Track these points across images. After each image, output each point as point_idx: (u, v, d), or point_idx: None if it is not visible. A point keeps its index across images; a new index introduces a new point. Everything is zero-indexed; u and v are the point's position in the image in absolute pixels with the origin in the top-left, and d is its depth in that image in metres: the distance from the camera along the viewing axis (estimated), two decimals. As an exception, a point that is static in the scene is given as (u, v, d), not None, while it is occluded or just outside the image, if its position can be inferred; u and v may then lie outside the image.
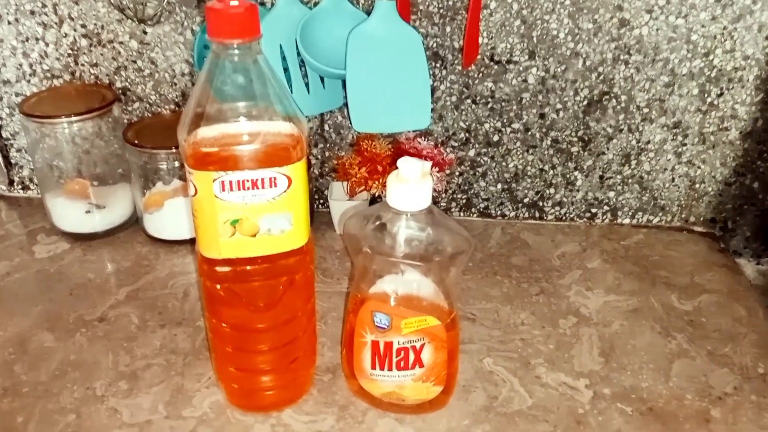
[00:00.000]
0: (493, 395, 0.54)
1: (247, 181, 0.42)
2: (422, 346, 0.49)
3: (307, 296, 0.50)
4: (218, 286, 0.46)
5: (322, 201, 0.83)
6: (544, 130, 0.76)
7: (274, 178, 0.43)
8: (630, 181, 0.79)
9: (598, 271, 0.71)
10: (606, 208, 0.80)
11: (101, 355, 0.58)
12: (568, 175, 0.79)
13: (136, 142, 0.72)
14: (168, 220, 0.73)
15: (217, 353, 0.51)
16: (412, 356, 0.49)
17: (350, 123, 0.72)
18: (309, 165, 0.76)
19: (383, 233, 0.48)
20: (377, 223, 0.48)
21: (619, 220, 0.81)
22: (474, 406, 0.53)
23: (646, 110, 0.74)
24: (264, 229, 0.44)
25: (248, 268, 0.45)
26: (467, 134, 0.77)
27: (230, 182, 0.42)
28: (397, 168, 0.46)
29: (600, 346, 0.60)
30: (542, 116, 0.75)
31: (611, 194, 0.80)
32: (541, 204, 0.81)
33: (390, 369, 0.50)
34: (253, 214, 0.44)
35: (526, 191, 0.80)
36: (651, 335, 0.62)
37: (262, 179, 0.43)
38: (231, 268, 0.45)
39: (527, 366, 0.57)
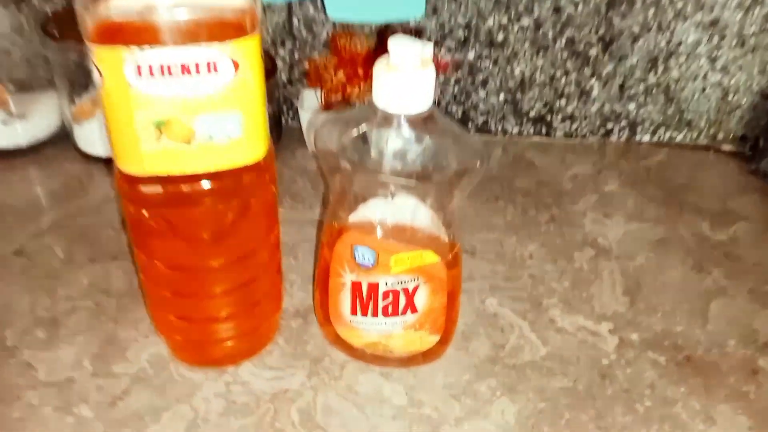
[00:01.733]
0: (498, 343, 0.45)
1: (174, 63, 0.30)
2: (416, 288, 0.38)
3: (268, 226, 0.39)
4: (145, 212, 0.35)
5: (291, 113, 0.70)
6: (558, 27, 0.63)
7: (214, 62, 0.31)
8: (654, 90, 0.67)
9: (617, 196, 0.61)
10: (624, 122, 0.69)
11: (15, 296, 0.47)
12: (583, 84, 0.67)
13: (57, 35, 0.57)
14: (103, 133, 0.60)
15: (152, 299, 0.40)
16: (402, 300, 0.39)
17: (324, 11, 0.58)
18: (273, 66, 0.63)
19: (367, 144, 0.36)
20: (360, 131, 0.37)
21: (637, 138, 0.70)
22: (476, 357, 0.43)
23: (680, 5, 0.62)
24: (203, 135, 0.32)
25: (185, 188, 0.34)
26: (466, 32, 0.64)
27: (149, 65, 0.30)
28: (386, 53, 0.34)
29: (623, 283, 0.50)
30: (557, 10, 0.62)
31: (631, 106, 0.68)
32: (549, 118, 0.69)
33: (375, 315, 0.40)
34: (186, 112, 0.31)
35: (532, 103, 0.68)
36: (682, 270, 0.52)
37: (197, 62, 0.30)
38: (161, 189, 0.34)
39: (539, 307, 0.48)
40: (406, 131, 0.35)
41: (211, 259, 0.37)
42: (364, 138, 0.36)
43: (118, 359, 0.42)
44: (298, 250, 0.52)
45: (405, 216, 0.37)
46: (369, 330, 0.40)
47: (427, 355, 0.42)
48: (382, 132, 0.35)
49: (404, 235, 0.37)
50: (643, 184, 0.63)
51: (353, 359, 0.43)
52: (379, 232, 0.37)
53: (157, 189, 0.34)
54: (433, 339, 0.41)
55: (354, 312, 0.40)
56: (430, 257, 0.37)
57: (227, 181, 0.34)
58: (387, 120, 0.35)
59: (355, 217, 0.38)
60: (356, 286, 0.39)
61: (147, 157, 0.32)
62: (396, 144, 0.35)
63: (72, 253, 0.51)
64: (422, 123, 0.34)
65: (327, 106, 0.63)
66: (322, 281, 0.41)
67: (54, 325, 0.44)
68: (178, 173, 0.33)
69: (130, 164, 0.33)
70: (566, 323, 0.47)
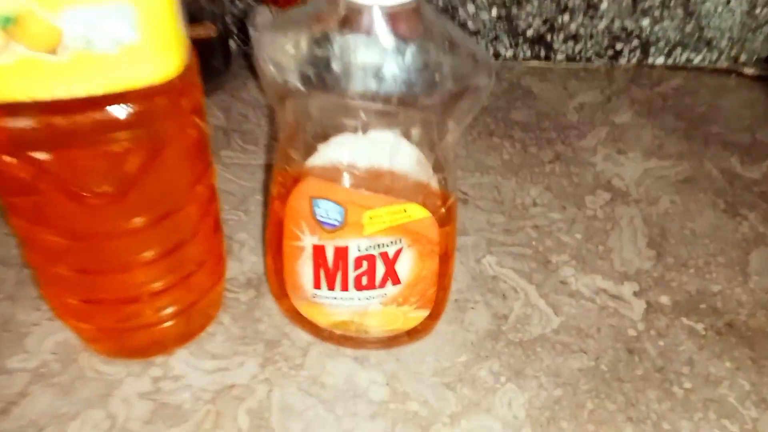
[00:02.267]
0: (500, 314, 0.36)
1: None
2: (398, 252, 0.29)
3: (194, 172, 0.29)
4: (9, 159, 0.24)
5: (242, 35, 0.58)
6: None
7: None
8: (673, 3, 0.57)
9: (631, 128, 0.52)
10: (635, 42, 0.59)
11: None
12: (590, -6, 0.56)
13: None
14: None
15: (45, 279, 0.30)
16: (381, 269, 0.29)
17: None
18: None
19: (327, 55, 0.26)
20: (316, 36, 0.26)
21: (650, 60, 0.60)
22: (473, 332, 0.35)
23: None
24: (76, 39, 0.21)
25: (59, 121, 0.23)
26: (451, -72, 0.52)
27: None
28: None
29: (647, 233, 0.42)
30: None
31: (645, 22, 0.58)
32: (549, 38, 0.58)
33: (345, 289, 0.30)
34: (46, 4, 0.20)
35: (530, 20, 0.57)
36: (714, 215, 0.44)
37: None
38: (23, 122, 0.23)
39: (547, 266, 0.39)
40: (383, 34, 0.24)
41: (117, 221, 0.26)
42: (322, 46, 0.25)
43: (13, 350, 0.32)
44: (249, 203, 0.42)
45: (382, 157, 0.27)
46: (338, 307, 0.31)
47: (413, 334, 0.33)
48: (347, 37, 0.25)
49: (381, 183, 0.27)
50: (660, 113, 0.54)
51: (319, 340, 0.34)
52: (346, 180, 0.27)
53: (16, 123, 0.23)
54: (421, 314, 0.32)
55: (317, 285, 0.30)
56: (417, 212, 0.28)
57: (122, 109, 0.24)
58: (354, 16, 0.24)
59: (314, 161, 0.28)
60: (319, 252, 0.29)
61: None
62: (368, 54, 0.25)
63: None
64: (405, 21, 0.24)
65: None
66: (274, 245, 0.31)
67: (-73, 308, 0.34)
68: (43, 98, 0.22)
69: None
70: (581, 285, 0.38)
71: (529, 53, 0.59)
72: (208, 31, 0.50)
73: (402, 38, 0.24)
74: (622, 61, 0.60)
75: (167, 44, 0.24)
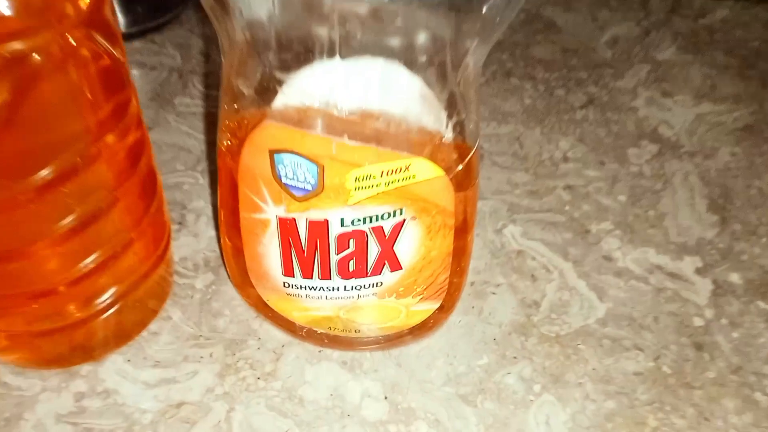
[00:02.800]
0: (529, 300, 0.28)
1: None
2: (398, 226, 0.21)
3: (99, 117, 0.20)
4: None
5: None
6: None
7: None
8: None
9: (676, 66, 0.43)
10: (676, -35, 0.49)
11: None
12: None
13: None
14: None
15: None
16: (374, 249, 0.21)
17: None
18: None
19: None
20: None
21: (692, -13, 0.51)
22: (495, 325, 0.27)
23: None
24: None
25: None
26: None
27: None
28: None
29: (706, 193, 0.34)
30: None
31: (688, -61, 0.48)
32: (574, -41, 0.49)
33: (325, 276, 0.22)
34: None
35: (551, -64, 0.48)
36: (786, 170, 0.35)
37: None
38: None
39: (585, 237, 0.31)
40: None
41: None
42: None
43: None
44: (204, 161, 0.34)
45: (371, 91, 0.18)
46: (317, 299, 0.23)
47: (418, 331, 0.25)
48: None
49: (371, 129, 0.19)
50: (708, 49, 0.45)
51: (296, 340, 0.26)
52: (319, 125, 0.19)
53: None
54: (428, 308, 0.24)
55: (288, 272, 0.22)
56: (424, 169, 0.19)
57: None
58: None
59: (278, 102, 0.19)
60: (287, 228, 0.21)
61: None
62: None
63: None
64: None
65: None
66: (229, 217, 0.23)
67: None
68: None
69: None
70: (630, 261, 0.30)
71: (549, -21, 0.50)
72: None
73: None
74: (660, -13, 0.51)
75: None
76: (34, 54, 0.16)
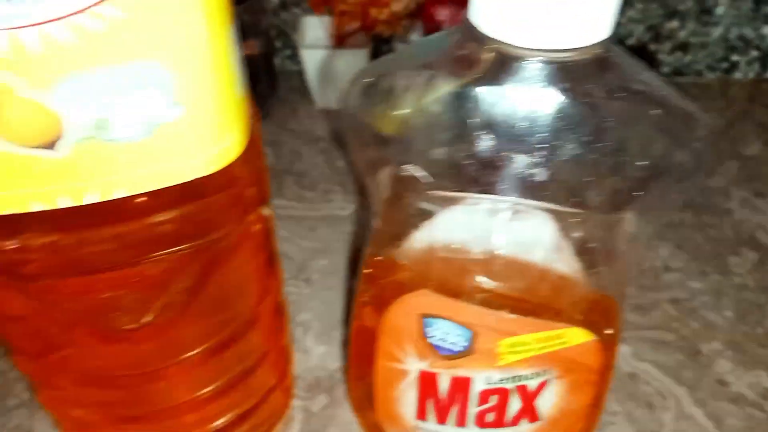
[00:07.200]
0: (648, 431, 0.27)
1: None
2: (542, 385, 0.21)
3: (260, 284, 0.21)
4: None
5: (288, 52, 0.50)
6: None
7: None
8: (805, 5, 0.47)
9: (763, 162, 0.42)
10: (754, 53, 0.49)
11: None
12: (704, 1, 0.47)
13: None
14: None
15: (62, 420, 0.22)
16: (515, 404, 0.21)
17: None
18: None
19: (462, 123, 0.17)
20: (446, 97, 0.18)
21: (770, 74, 0.51)
22: (614, 456, 0.26)
23: None
24: (81, 126, 0.13)
25: (66, 240, 0.15)
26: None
27: None
28: None
29: (817, 308, 0.33)
30: None
31: (767, 30, 0.48)
32: (653, 47, 0.49)
33: (461, 425, 0.22)
34: (31, 76, 0.13)
35: (631, 26, 0.48)
36: None
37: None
38: (20, 241, 0.15)
39: (697, 358, 0.30)
40: (551, 95, 0.16)
41: (156, 361, 0.19)
42: (455, 109, 0.17)
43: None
44: (310, 270, 0.34)
45: (526, 247, 0.19)
46: (448, 444, 0.23)
47: (541, 467, 0.25)
48: (496, 96, 0.16)
49: (531, 300, 0.19)
50: (796, 141, 0.44)
51: (415, 472, 0.26)
52: (477, 296, 0.19)
53: (9, 244, 0.15)
54: (559, 452, 0.24)
55: (422, 416, 0.22)
56: (577, 336, 0.19)
57: (159, 217, 0.16)
58: (509, 66, 0.16)
59: (425, 240, 0.20)
60: (428, 381, 0.21)
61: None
62: (531, 120, 0.16)
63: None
64: (588, 73, 0.16)
65: (340, 39, 0.44)
66: (361, 358, 0.23)
67: None
68: (36, 209, 0.14)
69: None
70: (744, 386, 0.29)
71: (626, 68, 0.50)
72: (248, 48, 0.42)
73: (580, 98, 0.16)
74: (738, 75, 0.51)
75: (224, 116, 0.16)
76: (215, 243, 0.17)
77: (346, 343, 0.31)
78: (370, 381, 0.23)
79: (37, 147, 0.13)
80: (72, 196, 0.14)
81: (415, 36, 0.42)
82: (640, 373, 0.30)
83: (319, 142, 0.43)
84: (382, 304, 0.21)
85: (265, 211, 0.19)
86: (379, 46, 0.43)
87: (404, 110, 0.17)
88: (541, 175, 0.16)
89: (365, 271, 0.22)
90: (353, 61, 0.42)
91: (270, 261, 0.22)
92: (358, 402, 0.26)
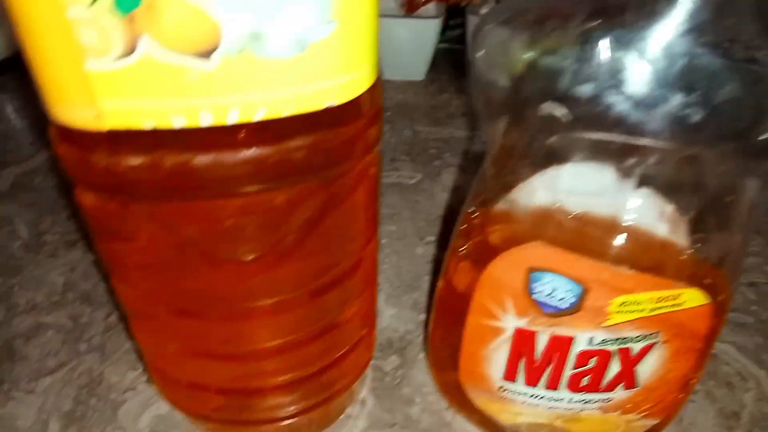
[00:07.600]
0: (728, 411, 0.27)
1: None
2: (646, 348, 0.20)
3: (366, 228, 0.20)
4: (118, 210, 0.16)
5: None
6: None
7: None
8: None
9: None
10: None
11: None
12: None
13: None
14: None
15: (156, 359, 0.22)
16: (614, 368, 0.21)
17: None
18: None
19: (592, 66, 0.17)
20: (571, 33, 0.17)
21: None
22: (694, 434, 0.26)
23: None
24: (238, 37, 0.13)
25: (201, 160, 0.15)
26: None
27: None
28: None
29: None
30: None
31: None
32: None
33: (553, 387, 0.22)
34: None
35: None
36: None
37: None
38: (140, 159, 0.15)
39: (777, 342, 0.29)
40: (695, 35, 0.15)
41: (265, 295, 0.19)
42: (583, 52, 0.17)
43: (103, 424, 0.25)
44: (380, 235, 0.34)
45: (654, 214, 0.18)
46: (535, 407, 0.23)
47: (623, 440, 0.24)
48: (627, 38, 0.16)
49: (650, 256, 0.18)
50: None
51: (491, 437, 0.25)
52: (601, 249, 0.18)
53: (136, 161, 0.15)
54: (647, 423, 0.23)
55: (511, 377, 0.22)
56: (695, 298, 0.19)
57: (293, 144, 0.15)
58: (644, 5, 0.15)
59: (541, 192, 0.19)
60: (523, 338, 0.21)
61: (104, 87, 0.14)
62: (669, 62, 0.16)
63: (40, 233, 0.34)
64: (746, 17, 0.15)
65: (412, 7, 0.43)
66: (448, 315, 0.23)
67: (7, 355, 0.28)
68: (178, 126, 0.14)
69: (71, 106, 0.14)
70: (830, 372, 0.28)
71: None
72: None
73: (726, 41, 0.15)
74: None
75: (368, 40, 0.15)
76: (339, 179, 0.17)
77: (415, 306, 0.31)
78: (454, 340, 0.23)
79: (193, 55, 0.13)
80: (215, 113, 0.14)
81: (489, 6, 0.41)
82: (719, 354, 0.29)
83: (385, 111, 0.43)
84: (483, 257, 0.20)
85: (375, 156, 0.19)
86: (451, 17, 0.42)
87: (550, 46, 0.16)
88: (694, 115, 0.15)
89: (462, 227, 0.22)
90: (424, 30, 0.41)
91: (375, 218, 0.21)
92: (438, 362, 0.26)
